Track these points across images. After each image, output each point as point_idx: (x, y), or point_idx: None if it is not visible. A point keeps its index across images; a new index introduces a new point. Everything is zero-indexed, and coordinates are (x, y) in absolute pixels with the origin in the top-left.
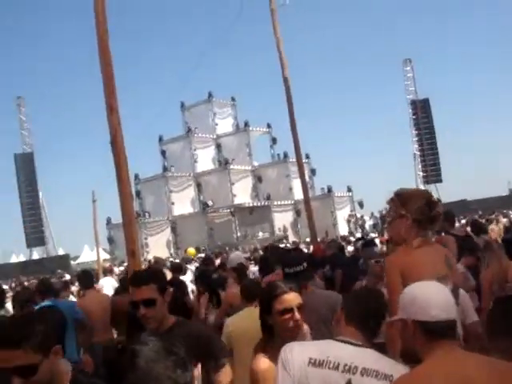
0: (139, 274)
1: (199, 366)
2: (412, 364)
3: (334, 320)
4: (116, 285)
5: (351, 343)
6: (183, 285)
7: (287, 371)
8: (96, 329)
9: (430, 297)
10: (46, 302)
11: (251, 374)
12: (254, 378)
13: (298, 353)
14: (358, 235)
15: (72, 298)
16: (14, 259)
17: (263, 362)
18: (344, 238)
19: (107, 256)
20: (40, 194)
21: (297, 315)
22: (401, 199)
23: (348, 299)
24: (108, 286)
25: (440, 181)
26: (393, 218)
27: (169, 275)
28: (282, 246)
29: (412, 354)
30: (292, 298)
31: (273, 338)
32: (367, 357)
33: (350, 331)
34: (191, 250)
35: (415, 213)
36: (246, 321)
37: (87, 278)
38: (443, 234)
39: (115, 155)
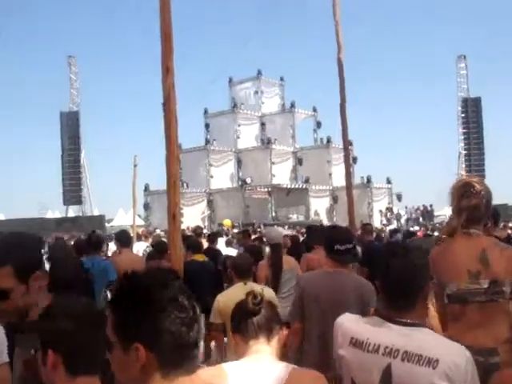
0: None
1: None
2: None
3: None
4: (148, 249)
5: (399, 322)
6: (217, 254)
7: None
8: None
9: None
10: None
11: None
12: None
13: (345, 330)
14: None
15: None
16: (49, 215)
17: None
18: (380, 230)
19: (141, 222)
20: (82, 153)
21: None
22: (451, 193)
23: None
24: (141, 250)
25: None
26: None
27: (205, 244)
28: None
29: None
30: None
31: None
32: (413, 338)
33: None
34: (227, 222)
35: (451, 205)
36: (235, 296)
37: (125, 237)
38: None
39: (166, 116)
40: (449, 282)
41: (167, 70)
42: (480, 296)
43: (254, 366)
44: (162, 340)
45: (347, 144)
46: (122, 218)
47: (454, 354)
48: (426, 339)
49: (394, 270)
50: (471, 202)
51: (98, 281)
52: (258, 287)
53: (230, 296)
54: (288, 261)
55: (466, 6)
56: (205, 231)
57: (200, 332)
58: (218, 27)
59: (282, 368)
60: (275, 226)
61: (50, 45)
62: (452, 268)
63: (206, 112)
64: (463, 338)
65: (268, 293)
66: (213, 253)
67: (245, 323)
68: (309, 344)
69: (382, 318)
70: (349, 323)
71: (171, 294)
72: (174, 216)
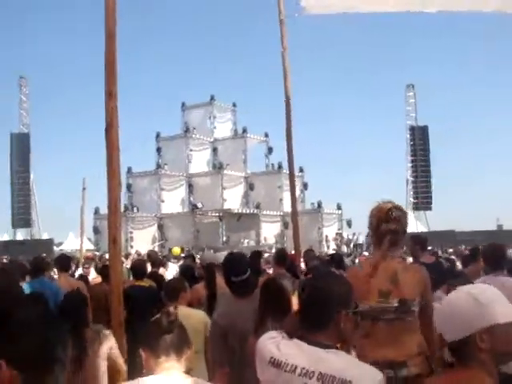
0: None
1: None
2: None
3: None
4: (94, 274)
5: (314, 343)
6: (161, 278)
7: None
8: None
9: None
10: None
11: None
12: None
13: (263, 353)
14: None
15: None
16: None
17: None
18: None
19: (91, 246)
20: (31, 175)
21: None
22: (370, 216)
23: None
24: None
25: (430, 209)
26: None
27: (149, 268)
28: (266, 254)
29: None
30: None
31: None
32: (327, 360)
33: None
34: (176, 250)
35: (369, 226)
36: None
37: (64, 261)
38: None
39: (108, 141)
40: (361, 300)
41: (110, 95)
42: (389, 314)
43: (170, 380)
44: (20, 355)
45: (293, 169)
46: (72, 242)
47: (366, 376)
48: (340, 361)
49: (307, 292)
50: (391, 227)
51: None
52: (187, 309)
53: None
54: (222, 285)
55: (416, 37)
56: None
57: (64, 350)
58: (170, 51)
59: (192, 381)
60: (210, 252)
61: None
62: (365, 287)
63: (158, 136)
64: (373, 352)
65: (197, 314)
66: (156, 277)
67: (157, 340)
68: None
69: (298, 338)
70: (268, 345)
71: (33, 315)
72: (114, 240)
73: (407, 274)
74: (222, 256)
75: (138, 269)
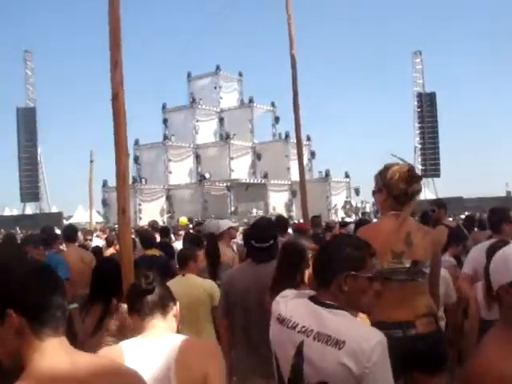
0: None
1: None
2: None
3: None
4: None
5: (321, 303)
6: (170, 248)
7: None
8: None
9: None
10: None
11: None
12: None
13: (274, 309)
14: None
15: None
16: (7, 212)
17: None
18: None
19: (100, 219)
20: (39, 149)
21: None
22: (383, 174)
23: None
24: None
25: (438, 176)
26: (373, 192)
27: (158, 238)
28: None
29: None
30: None
31: None
32: (327, 320)
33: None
34: (183, 220)
35: (391, 188)
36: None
37: (71, 232)
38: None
39: (115, 111)
40: None
41: (116, 64)
42: (402, 275)
43: (151, 340)
44: (29, 303)
45: (300, 138)
46: (82, 215)
47: (361, 338)
48: (339, 322)
49: (318, 252)
50: (419, 187)
51: None
52: (195, 278)
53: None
54: (226, 253)
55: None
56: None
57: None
58: (176, 22)
59: (176, 337)
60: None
61: (5, 39)
62: (377, 247)
63: (164, 107)
64: (382, 313)
65: (204, 284)
66: (165, 246)
67: (140, 302)
68: (235, 338)
69: (309, 298)
70: (278, 303)
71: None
72: (123, 211)
73: (420, 235)
74: (224, 223)
75: (144, 237)
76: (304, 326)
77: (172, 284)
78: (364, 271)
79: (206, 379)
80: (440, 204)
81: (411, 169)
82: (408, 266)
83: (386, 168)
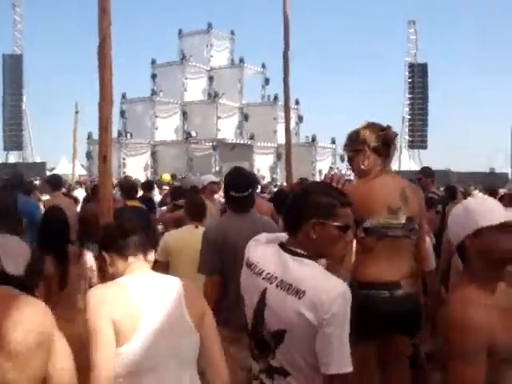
0: None
1: None
2: None
3: None
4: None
5: (289, 250)
6: (151, 202)
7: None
8: None
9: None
10: None
11: None
12: None
13: (246, 250)
14: None
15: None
16: None
17: None
18: None
19: (84, 172)
20: (24, 98)
21: None
22: (356, 136)
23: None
24: (80, 197)
25: (425, 147)
26: (350, 157)
27: (140, 192)
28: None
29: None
30: None
31: None
32: (291, 269)
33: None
34: (166, 176)
35: (368, 142)
36: (182, 238)
37: (56, 180)
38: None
39: (101, 56)
40: (368, 216)
41: (104, 11)
42: (396, 231)
43: (153, 276)
44: None
45: (288, 99)
46: (65, 166)
47: (323, 289)
48: (302, 270)
49: (289, 198)
50: (391, 133)
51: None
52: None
53: (178, 237)
54: (209, 208)
55: None
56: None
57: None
58: None
59: (175, 278)
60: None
61: None
62: (373, 203)
63: (153, 62)
64: (369, 269)
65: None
66: (147, 200)
67: (124, 241)
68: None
69: (279, 245)
70: (250, 247)
71: None
72: (104, 158)
73: (412, 191)
74: (207, 177)
75: (126, 187)
76: (269, 273)
77: (183, 233)
78: (334, 219)
79: (203, 317)
80: (427, 172)
81: (372, 122)
82: (403, 222)
83: (353, 132)
